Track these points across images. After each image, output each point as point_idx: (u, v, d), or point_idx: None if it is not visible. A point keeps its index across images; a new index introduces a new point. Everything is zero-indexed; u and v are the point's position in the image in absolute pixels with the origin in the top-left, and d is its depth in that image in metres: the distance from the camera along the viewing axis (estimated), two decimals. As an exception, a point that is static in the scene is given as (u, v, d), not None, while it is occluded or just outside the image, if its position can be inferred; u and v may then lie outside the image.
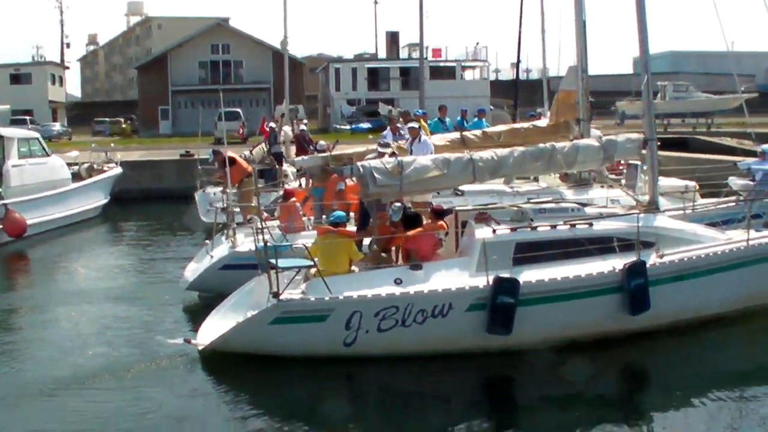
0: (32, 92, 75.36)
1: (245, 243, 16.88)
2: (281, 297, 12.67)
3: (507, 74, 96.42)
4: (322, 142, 22.45)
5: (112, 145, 40.17)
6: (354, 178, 14.37)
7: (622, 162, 21.56)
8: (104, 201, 33.92)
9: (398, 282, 13.09)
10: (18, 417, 11.48)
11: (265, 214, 19.38)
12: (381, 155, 15.53)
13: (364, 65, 76.84)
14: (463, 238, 13.99)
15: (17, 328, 16.63)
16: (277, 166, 29.33)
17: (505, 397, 12.97)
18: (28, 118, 63.34)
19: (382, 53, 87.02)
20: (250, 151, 31.78)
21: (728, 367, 13.74)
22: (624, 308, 13.62)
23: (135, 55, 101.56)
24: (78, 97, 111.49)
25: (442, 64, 77.45)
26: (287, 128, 33.83)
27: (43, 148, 31.04)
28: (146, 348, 14.26)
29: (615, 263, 13.66)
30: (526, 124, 19.12)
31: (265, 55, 72.74)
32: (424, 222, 14.00)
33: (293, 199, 17.56)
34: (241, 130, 51.92)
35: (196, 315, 16.32)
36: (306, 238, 16.18)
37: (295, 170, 29.71)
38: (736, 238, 15.10)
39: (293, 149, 33.60)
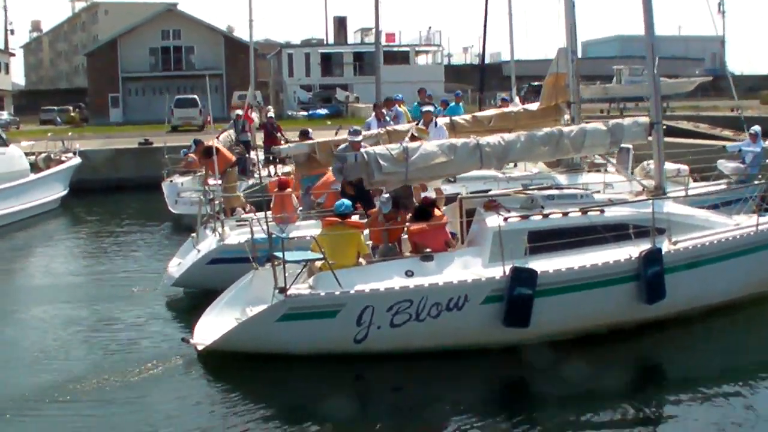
0: (-25, 80, 73.29)
1: (233, 236, 16.08)
2: (289, 292, 11.92)
3: (459, 59, 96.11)
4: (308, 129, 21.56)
5: (70, 134, 38.75)
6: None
7: None
8: (63, 192, 32.68)
9: (409, 274, 12.48)
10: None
11: (249, 206, 18.76)
12: (354, 144, 14.77)
13: (318, 50, 75.93)
14: (472, 226, 13.37)
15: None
16: (246, 155, 28.44)
17: (520, 393, 12.36)
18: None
19: (331, 38, 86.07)
20: (217, 138, 30.76)
21: (738, 356, 13.37)
22: (640, 297, 13.20)
23: (81, 41, 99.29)
24: (22, 86, 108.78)
25: (395, 49, 76.77)
26: (254, 115, 32.95)
27: (1, 137, 29.80)
28: (138, 351, 13.41)
29: (630, 251, 13.20)
30: (515, 108, 18.57)
31: (216, 40, 71.54)
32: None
33: (288, 189, 16.77)
34: (209, 118, 50.33)
35: (185, 313, 15.60)
36: (300, 230, 15.56)
37: (263, 158, 28.99)
38: (744, 223, 14.74)
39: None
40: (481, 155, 13.54)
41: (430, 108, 17.03)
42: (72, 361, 12.95)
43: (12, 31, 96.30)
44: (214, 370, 12.37)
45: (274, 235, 12.44)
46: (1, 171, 28.73)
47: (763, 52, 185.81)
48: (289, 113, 65.48)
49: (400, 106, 23.99)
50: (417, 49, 79.28)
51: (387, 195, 13.71)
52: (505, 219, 13.01)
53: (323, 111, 60.92)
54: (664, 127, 15.63)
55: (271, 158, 28.44)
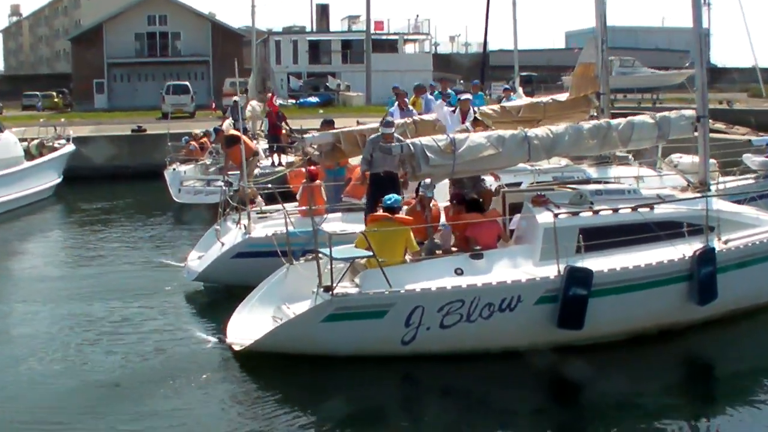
0: (-44, 64, 71.89)
1: (259, 228, 15.42)
2: (335, 291, 11.30)
3: (446, 47, 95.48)
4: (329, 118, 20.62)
5: (63, 119, 37.84)
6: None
7: None
8: (58, 180, 31.84)
9: (459, 272, 11.92)
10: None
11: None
12: (387, 136, 14.08)
13: (306, 38, 75.00)
14: (520, 222, 12.80)
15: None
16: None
17: (568, 393, 11.80)
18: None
19: (315, 26, 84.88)
20: (220, 125, 30.05)
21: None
22: (692, 297, 12.71)
23: (63, 26, 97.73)
24: (1, 71, 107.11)
25: (384, 37, 76.00)
26: (255, 103, 32.22)
27: (-4, 124, 28.97)
28: (168, 353, 12.66)
29: (681, 250, 12.71)
30: (545, 99, 17.98)
31: (203, 26, 70.50)
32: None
33: (318, 181, 16.12)
34: (213, 105, 49.40)
35: (210, 309, 15.03)
36: (329, 223, 14.96)
37: (265, 147, 28.31)
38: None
39: (258, 125, 32.11)
40: (529, 148, 13.00)
41: (469, 96, 16.41)
42: (98, 366, 12.12)
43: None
44: (253, 371, 11.77)
45: (318, 230, 11.81)
46: (-4, 158, 27.88)
47: (748, 45, 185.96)
48: (278, 101, 64.45)
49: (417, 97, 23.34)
50: (405, 37, 78.47)
51: (430, 180, 13.13)
52: (555, 215, 12.44)
53: (314, 99, 60.09)
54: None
55: (275, 147, 27.84)
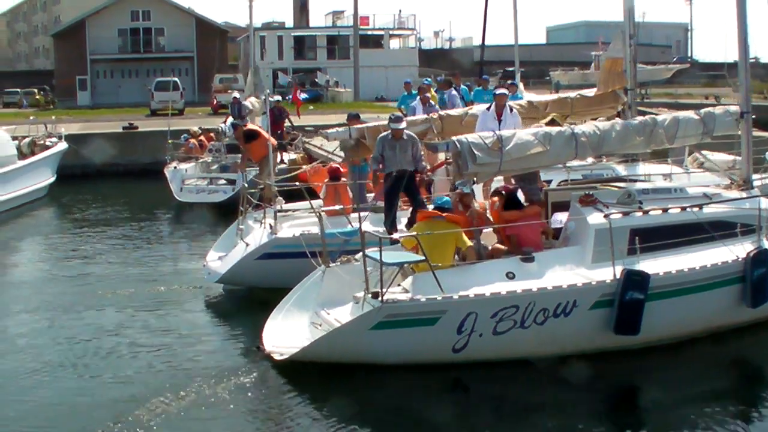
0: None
1: (286, 228, 14.84)
2: (385, 298, 10.74)
3: (430, 43, 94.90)
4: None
5: (53, 117, 36.95)
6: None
7: None
8: (51, 179, 30.97)
9: (510, 276, 11.41)
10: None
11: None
12: (396, 133, 13.47)
13: (291, 34, 74.20)
14: (568, 223, 12.30)
15: (9, 347, 13.03)
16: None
17: (624, 397, 11.47)
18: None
19: (291, 22, 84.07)
20: (223, 122, 29.43)
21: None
22: (744, 299, 12.29)
23: (41, 22, 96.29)
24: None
25: (369, 32, 75.32)
26: (253, 99, 31.51)
27: (-13, 121, 28.12)
28: (200, 363, 11.93)
29: (734, 251, 12.27)
30: (572, 94, 17.48)
31: (187, 22, 69.58)
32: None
33: (344, 179, 15.56)
34: (214, 101, 48.47)
35: (236, 314, 14.50)
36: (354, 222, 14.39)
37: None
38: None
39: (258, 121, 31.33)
40: (576, 145, 12.51)
41: (505, 90, 15.84)
42: (125, 379, 11.34)
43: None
44: (294, 381, 11.16)
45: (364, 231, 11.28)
46: (-11, 157, 27.07)
47: (727, 39, 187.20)
48: (263, 97, 63.69)
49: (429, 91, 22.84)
50: (391, 32, 77.86)
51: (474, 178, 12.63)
52: (606, 216, 11.96)
53: (304, 95, 59.22)
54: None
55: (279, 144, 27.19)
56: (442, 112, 16.65)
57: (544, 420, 10.42)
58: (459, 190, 12.56)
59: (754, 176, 17.87)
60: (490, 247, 12.36)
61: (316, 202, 15.86)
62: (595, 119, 17.55)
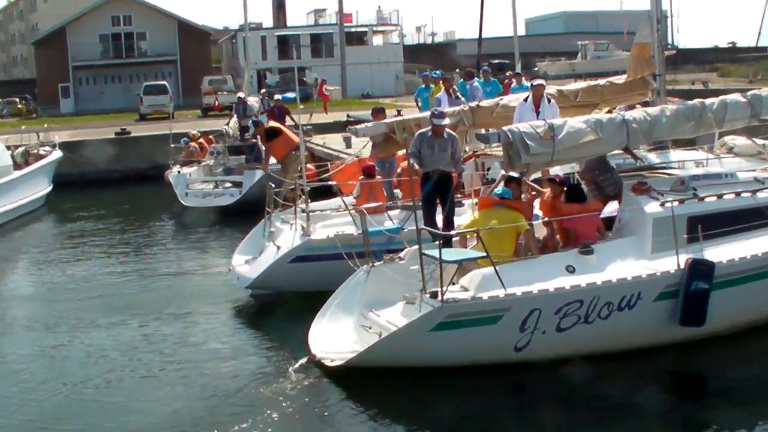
0: None
1: (319, 229, 14.28)
2: (446, 297, 10.22)
3: (413, 38, 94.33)
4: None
5: (45, 125, 36.12)
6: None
7: None
8: (48, 189, 30.13)
9: (570, 270, 10.93)
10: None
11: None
12: (437, 129, 12.85)
13: (274, 33, 73.40)
14: (622, 213, 11.81)
15: (36, 366, 12.28)
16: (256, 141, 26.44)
17: (697, 395, 11.01)
18: None
19: (267, 23, 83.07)
20: (227, 124, 28.81)
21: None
22: None
23: (18, 31, 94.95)
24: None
25: (353, 29, 74.72)
26: (253, 99, 30.94)
27: (-18, 132, 27.33)
28: (246, 373, 11.32)
29: None
30: (602, 81, 17.01)
31: (169, 25, 68.73)
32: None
33: (378, 177, 15.02)
34: (216, 102, 47.70)
35: (273, 319, 14.02)
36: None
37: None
38: None
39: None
40: (627, 132, 12.02)
41: (542, 82, 15.33)
42: (167, 397, 10.68)
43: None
44: (347, 388, 10.64)
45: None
46: (-15, 168, 26.29)
47: (707, 26, 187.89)
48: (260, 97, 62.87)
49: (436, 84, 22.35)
50: (375, 29, 77.31)
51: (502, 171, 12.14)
52: (662, 204, 11.50)
53: (292, 95, 58.49)
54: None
55: None
56: (473, 104, 16.11)
57: (610, 419, 9.99)
58: (503, 174, 12.06)
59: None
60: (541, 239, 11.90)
61: (347, 200, 15.37)
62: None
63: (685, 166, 15.44)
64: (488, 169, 16.05)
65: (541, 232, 12.17)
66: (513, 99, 15.76)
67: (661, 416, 10.02)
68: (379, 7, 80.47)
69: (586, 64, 66.16)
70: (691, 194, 11.90)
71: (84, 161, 34.47)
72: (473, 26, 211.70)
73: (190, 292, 15.82)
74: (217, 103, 45.92)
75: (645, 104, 16.38)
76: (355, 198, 14.65)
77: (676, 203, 11.52)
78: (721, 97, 13.12)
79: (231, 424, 9.60)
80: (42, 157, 30.58)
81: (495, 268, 10.29)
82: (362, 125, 15.81)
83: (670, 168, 13.84)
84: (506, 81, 27.66)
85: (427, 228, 11.28)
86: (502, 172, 14.62)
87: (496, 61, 62.41)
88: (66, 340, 13.31)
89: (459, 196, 14.59)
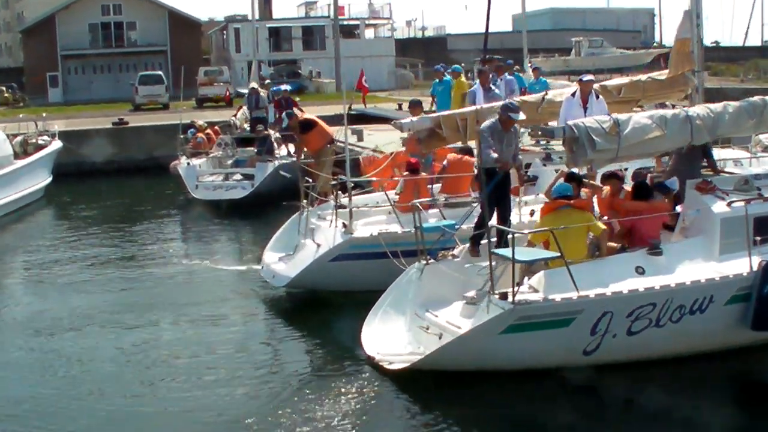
0: None
1: (360, 227, 13.81)
2: (517, 298, 9.79)
3: (403, 32, 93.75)
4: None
5: (44, 114, 35.35)
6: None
7: None
8: (48, 180, 29.34)
9: (640, 271, 10.54)
10: None
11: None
12: (509, 123, 12.24)
13: (266, 25, 72.66)
14: (686, 213, 11.42)
15: (70, 369, 11.62)
16: (268, 133, 25.94)
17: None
18: None
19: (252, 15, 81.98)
20: (234, 116, 28.24)
21: None
22: None
23: (3, 19, 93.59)
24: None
25: (345, 22, 74.06)
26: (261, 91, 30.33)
27: (-16, 120, 26.55)
28: (296, 375, 10.94)
29: None
30: (644, 77, 16.60)
31: (159, 15, 67.74)
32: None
33: (423, 173, 14.56)
34: (227, 92, 46.70)
35: (313, 319, 13.44)
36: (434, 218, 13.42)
37: (278, 135, 26.51)
38: None
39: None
40: (691, 129, 11.64)
41: (591, 77, 14.90)
42: (219, 404, 10.13)
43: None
44: (408, 390, 10.26)
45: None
46: (-13, 158, 25.55)
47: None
48: (238, 90, 62.09)
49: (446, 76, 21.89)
50: (367, 22, 76.75)
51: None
52: (729, 204, 11.11)
53: (286, 87, 57.79)
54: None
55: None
56: (517, 99, 15.67)
57: (677, 424, 9.62)
58: (562, 170, 11.63)
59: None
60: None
61: (364, 196, 15.00)
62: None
63: (726, 165, 15.14)
64: (528, 166, 15.63)
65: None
66: (558, 94, 15.33)
67: (729, 421, 9.71)
68: (370, 1, 79.75)
69: (581, 61, 66.05)
70: (756, 194, 11.50)
71: (81, 151, 33.70)
72: (463, 21, 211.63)
73: (221, 291, 15.19)
74: (228, 94, 44.86)
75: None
76: (397, 194, 14.16)
77: (740, 203, 11.13)
78: (778, 95, 12.74)
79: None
80: (41, 146, 29.82)
81: (568, 269, 9.86)
82: (407, 119, 15.28)
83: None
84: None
85: (500, 226, 10.81)
86: (563, 168, 14.28)
87: (489, 57, 61.77)
88: (96, 342, 12.66)
89: None
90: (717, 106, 12.12)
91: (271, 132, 26.07)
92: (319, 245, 13.79)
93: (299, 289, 14.06)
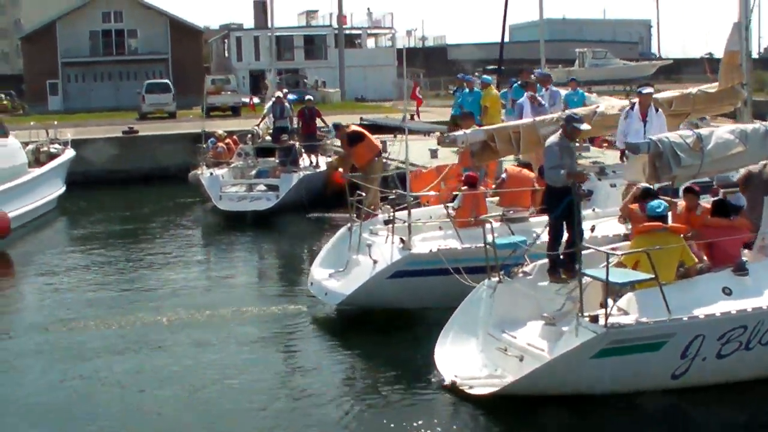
0: None
1: (418, 242, 13.41)
2: (609, 321, 9.42)
3: (403, 42, 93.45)
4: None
5: (55, 122, 34.85)
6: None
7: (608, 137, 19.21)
8: (62, 190, 28.75)
9: (727, 293, 10.16)
10: None
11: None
12: (573, 131, 11.87)
13: (267, 33, 72.19)
14: (766, 229, 11.08)
15: (108, 387, 11.14)
16: (293, 143, 25.56)
17: None
18: None
19: (250, 23, 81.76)
20: (257, 126, 27.84)
21: None
22: None
23: (1, 26, 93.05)
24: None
25: (347, 32, 73.78)
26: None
27: (1, 127, 26.02)
28: (370, 402, 10.47)
29: None
30: (693, 90, 16.32)
31: (161, 23, 67.23)
32: None
33: (482, 188, 14.20)
34: (251, 101, 45.82)
35: (375, 339, 12.88)
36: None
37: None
38: None
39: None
40: (772, 143, 11.28)
41: (651, 90, 14.58)
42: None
43: None
44: (492, 415, 9.80)
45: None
46: (2, 167, 24.84)
47: (692, 35, 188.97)
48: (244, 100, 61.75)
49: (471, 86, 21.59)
50: (369, 32, 76.52)
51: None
52: (812, 221, 10.79)
53: (292, 96, 57.46)
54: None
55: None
56: (569, 111, 15.34)
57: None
58: (637, 188, 11.27)
59: None
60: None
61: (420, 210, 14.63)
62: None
63: None
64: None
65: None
66: (610, 107, 15.03)
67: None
68: (369, 9, 79.55)
69: (585, 72, 65.86)
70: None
71: (92, 160, 33.22)
72: (463, 31, 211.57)
73: (266, 309, 14.58)
74: (252, 103, 44.04)
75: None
76: (455, 209, 13.77)
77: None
78: None
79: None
80: (53, 155, 29.32)
81: (662, 292, 9.50)
82: (460, 132, 14.91)
83: None
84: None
85: (593, 246, 10.40)
86: (617, 181, 13.95)
87: (491, 67, 61.68)
88: (139, 363, 12.04)
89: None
90: (796, 121, 11.81)
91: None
92: (375, 261, 13.37)
93: (353, 306, 13.61)
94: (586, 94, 21.60)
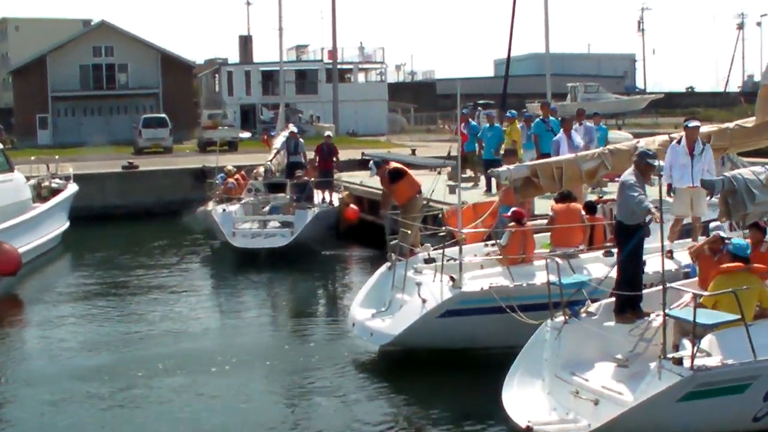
0: None
1: (468, 281, 13.06)
2: (696, 364, 9.11)
3: (392, 77, 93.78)
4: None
5: (57, 157, 34.37)
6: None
7: None
8: (66, 225, 28.24)
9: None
10: None
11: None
12: (647, 168, 11.21)
13: (258, 68, 72.28)
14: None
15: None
16: (308, 179, 25.22)
17: None
18: None
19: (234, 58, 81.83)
20: (270, 161, 27.50)
21: None
22: None
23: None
24: None
25: (339, 66, 73.77)
26: (282, 134, 29.68)
27: (7, 161, 25.54)
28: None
29: None
30: (731, 124, 16.16)
31: (151, 57, 66.92)
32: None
33: (529, 222, 13.90)
34: (265, 137, 44.88)
35: (431, 382, 12.45)
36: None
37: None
38: None
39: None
40: (840, 179, 11.05)
41: (698, 123, 14.39)
42: None
43: None
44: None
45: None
46: (8, 202, 24.37)
47: (676, 68, 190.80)
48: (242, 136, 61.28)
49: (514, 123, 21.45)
50: (360, 66, 76.57)
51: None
52: None
53: (329, 133, 57.27)
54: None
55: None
56: (611, 147, 15.14)
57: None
58: (716, 233, 10.96)
59: None
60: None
61: (472, 247, 14.28)
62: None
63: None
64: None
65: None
66: (650, 142, 14.81)
67: None
68: (361, 43, 79.65)
69: (576, 106, 66.01)
70: None
71: (94, 195, 32.79)
72: (452, 65, 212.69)
73: (306, 352, 14.25)
74: (265, 138, 43.26)
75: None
76: (503, 246, 13.45)
77: None
78: None
79: None
80: (56, 190, 28.85)
81: (748, 334, 9.20)
82: (503, 168, 14.64)
83: None
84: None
85: (675, 286, 10.10)
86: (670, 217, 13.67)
87: (482, 101, 61.85)
88: (174, 415, 11.65)
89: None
90: None
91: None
92: (424, 300, 13.00)
93: (400, 347, 13.22)
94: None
